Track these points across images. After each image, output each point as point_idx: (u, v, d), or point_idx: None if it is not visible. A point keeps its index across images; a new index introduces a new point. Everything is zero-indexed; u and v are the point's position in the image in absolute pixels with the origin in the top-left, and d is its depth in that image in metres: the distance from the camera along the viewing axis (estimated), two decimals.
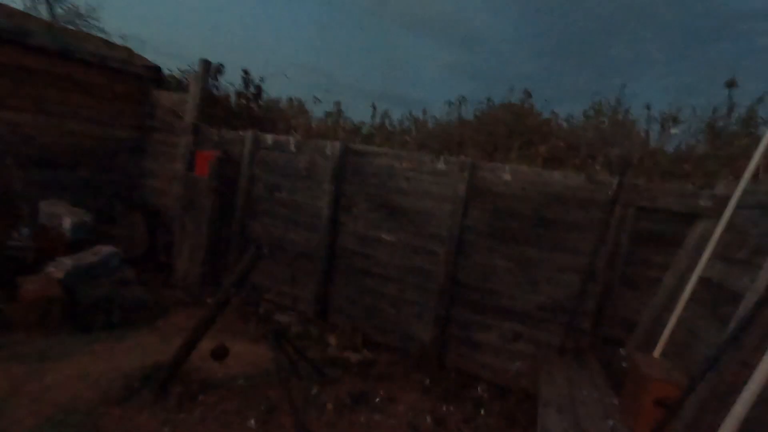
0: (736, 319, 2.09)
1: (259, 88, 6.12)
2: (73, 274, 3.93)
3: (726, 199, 2.82)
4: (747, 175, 2.68)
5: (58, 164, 5.27)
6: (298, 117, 6.11)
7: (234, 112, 5.95)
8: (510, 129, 4.79)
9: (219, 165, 5.05)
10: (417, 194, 4.24)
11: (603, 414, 2.60)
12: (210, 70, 5.70)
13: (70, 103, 5.36)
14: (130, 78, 5.93)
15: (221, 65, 5.88)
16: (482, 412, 3.48)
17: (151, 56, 7.30)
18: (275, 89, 9.61)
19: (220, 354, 3.34)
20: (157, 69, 6.29)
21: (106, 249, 4.41)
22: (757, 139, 3.16)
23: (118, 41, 6.32)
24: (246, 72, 6.00)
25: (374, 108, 5.81)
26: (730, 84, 4.21)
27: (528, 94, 5.17)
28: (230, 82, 6.06)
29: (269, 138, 5.07)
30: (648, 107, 4.59)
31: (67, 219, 4.63)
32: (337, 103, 5.98)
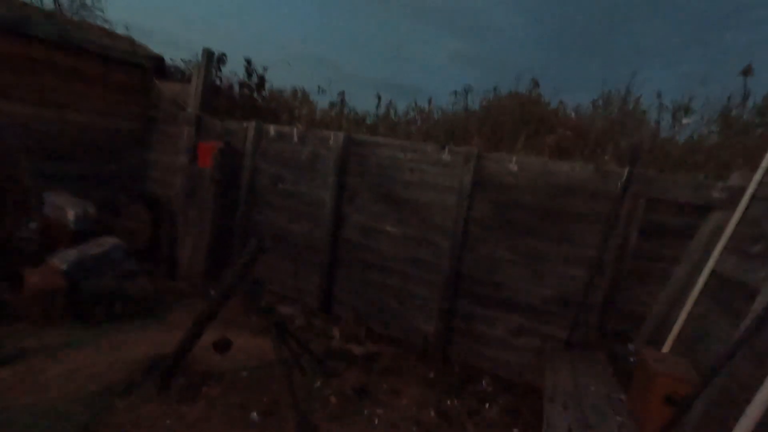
0: (750, 315, 2.02)
1: (262, 78, 6.05)
2: (76, 266, 3.92)
3: (740, 191, 2.73)
4: (764, 164, 2.59)
5: (60, 156, 5.25)
6: (302, 107, 6.04)
7: (237, 102, 5.89)
8: (517, 119, 4.69)
9: (221, 156, 5.01)
10: (421, 185, 4.17)
11: (610, 410, 2.55)
12: (213, 59, 5.64)
13: (72, 94, 5.32)
14: (133, 68, 5.87)
15: (224, 55, 5.81)
16: (487, 406, 3.45)
17: (156, 47, 7.23)
18: (279, 79, 9.54)
19: (222, 346, 3.33)
20: (160, 59, 6.23)
21: (109, 241, 4.40)
22: None
23: (122, 32, 6.27)
24: (248, 62, 5.93)
25: (379, 98, 5.73)
26: (746, 72, 4.07)
27: (535, 83, 5.05)
28: (233, 72, 6.01)
29: (272, 129, 5.01)
30: (659, 96, 4.48)
31: (71, 211, 4.62)
32: (342, 93, 5.90)
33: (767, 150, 2.61)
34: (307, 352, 3.48)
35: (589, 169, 3.51)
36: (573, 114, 4.94)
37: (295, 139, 4.83)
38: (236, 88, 6.00)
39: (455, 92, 5.41)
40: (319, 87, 5.96)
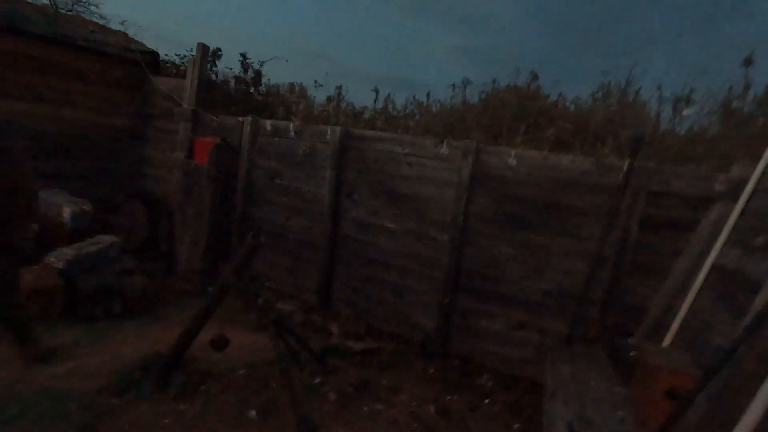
0: (753, 309, 1.99)
1: (258, 73, 5.98)
2: (73, 264, 3.89)
3: (742, 183, 2.70)
4: (766, 155, 2.55)
5: (56, 153, 5.20)
6: (299, 102, 5.97)
7: (233, 97, 5.82)
8: (516, 112, 4.64)
9: (218, 152, 4.96)
10: (420, 180, 4.13)
11: (611, 405, 2.53)
12: (208, 54, 5.57)
13: (66, 91, 5.27)
14: (128, 64, 5.82)
15: (219, 49, 5.73)
16: (487, 401, 3.44)
17: (151, 43, 7.15)
18: (275, 74, 9.42)
19: (220, 344, 3.30)
20: (155, 54, 6.17)
21: (106, 238, 4.38)
22: None
23: (118, 28, 6.20)
24: (244, 56, 5.86)
25: (377, 92, 5.65)
26: (747, 62, 4.02)
27: (534, 76, 4.98)
28: (229, 67, 5.94)
29: (269, 124, 4.96)
30: (659, 88, 4.42)
31: (67, 209, 4.59)
32: (339, 88, 5.82)
33: None
34: (305, 348, 3.46)
35: (589, 162, 3.47)
36: (572, 106, 4.88)
37: (292, 134, 4.78)
38: (232, 83, 5.93)
39: (453, 85, 5.34)
40: (316, 82, 5.87)
